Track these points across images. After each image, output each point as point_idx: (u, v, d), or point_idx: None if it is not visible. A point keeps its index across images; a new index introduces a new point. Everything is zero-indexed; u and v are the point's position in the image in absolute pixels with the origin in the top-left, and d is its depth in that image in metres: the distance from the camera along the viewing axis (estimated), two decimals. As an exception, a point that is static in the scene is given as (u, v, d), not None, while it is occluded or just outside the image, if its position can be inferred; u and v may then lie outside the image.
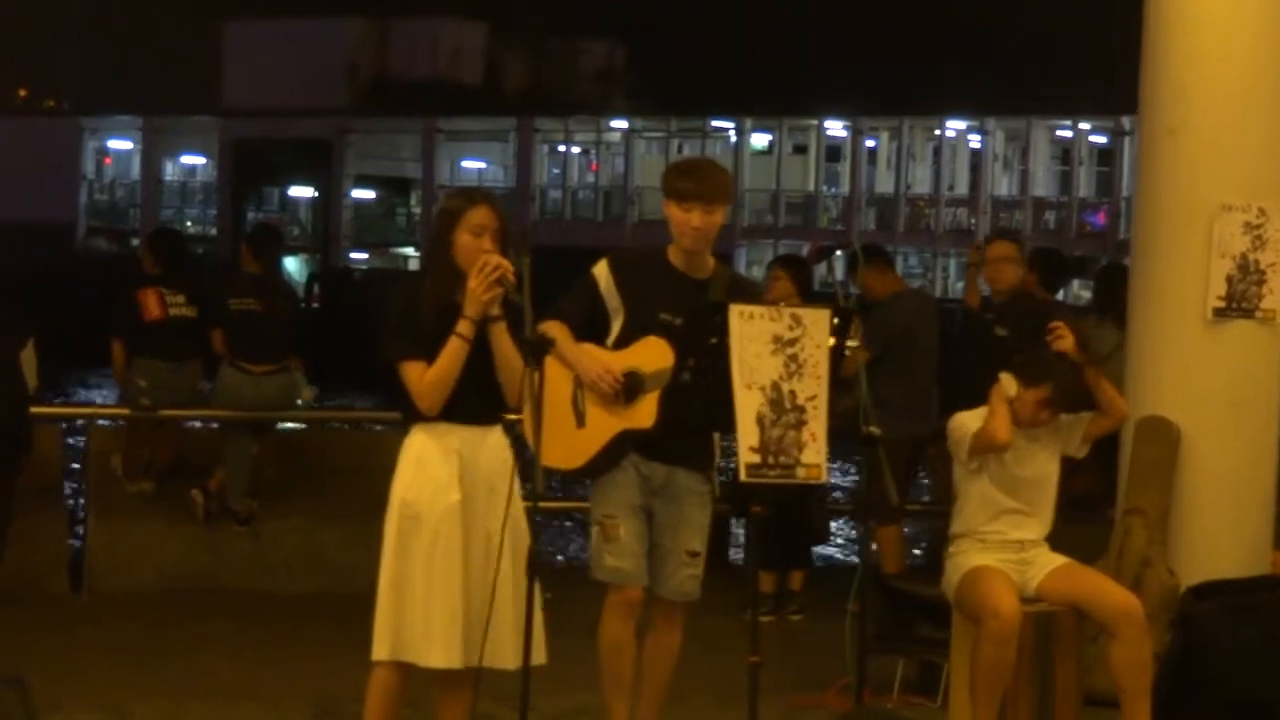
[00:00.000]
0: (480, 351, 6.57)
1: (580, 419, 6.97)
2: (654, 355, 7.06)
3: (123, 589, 11.05)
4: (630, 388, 7.04)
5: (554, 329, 6.93)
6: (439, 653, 6.54)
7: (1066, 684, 7.78)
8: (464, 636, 6.55)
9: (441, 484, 6.59)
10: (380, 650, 6.63)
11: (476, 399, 6.60)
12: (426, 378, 6.55)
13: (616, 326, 7.14)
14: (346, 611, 9.99)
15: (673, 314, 7.09)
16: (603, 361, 7.07)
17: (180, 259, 12.22)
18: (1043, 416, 7.75)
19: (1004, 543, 7.76)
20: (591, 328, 7.14)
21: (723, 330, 6.55)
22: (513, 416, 6.86)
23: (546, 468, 6.74)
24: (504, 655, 6.57)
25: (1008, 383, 7.65)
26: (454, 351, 6.53)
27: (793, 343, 6.61)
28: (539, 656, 6.57)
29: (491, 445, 6.70)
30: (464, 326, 6.54)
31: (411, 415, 6.69)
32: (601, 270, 7.16)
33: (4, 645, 9.28)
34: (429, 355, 6.55)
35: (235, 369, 11.37)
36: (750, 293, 7.32)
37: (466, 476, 6.61)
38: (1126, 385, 9.33)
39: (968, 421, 7.77)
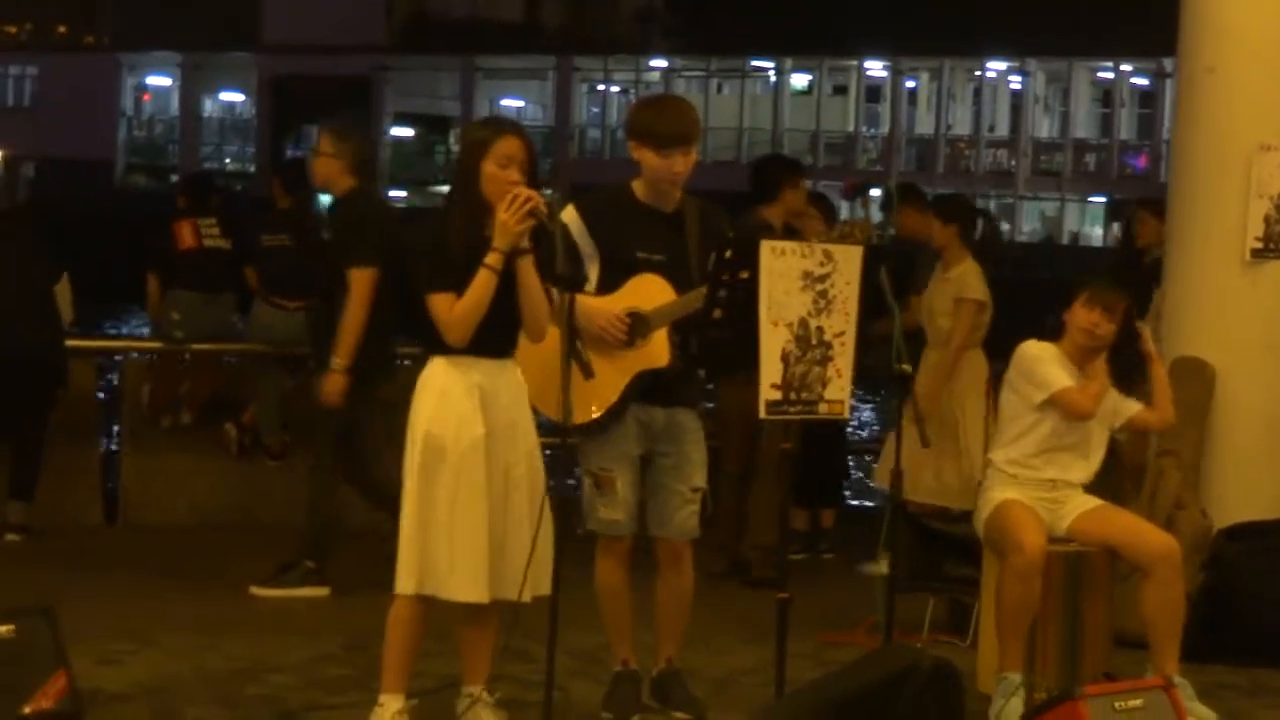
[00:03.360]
0: (503, 285, 6.52)
1: (587, 370, 6.89)
2: (649, 293, 7.03)
3: (157, 522, 11.11)
4: (636, 329, 7.01)
5: None
6: (464, 587, 6.53)
7: (1096, 624, 7.76)
8: (489, 570, 6.54)
9: (466, 417, 6.56)
10: (406, 584, 6.61)
11: (497, 332, 6.56)
12: (456, 310, 6.51)
13: (594, 271, 7.08)
14: (378, 545, 10.06)
15: (649, 250, 7.05)
16: (604, 309, 7.02)
17: (207, 193, 12.22)
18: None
19: (1037, 480, 7.72)
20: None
21: (753, 265, 6.50)
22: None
23: (552, 420, 6.73)
24: (518, 588, 6.53)
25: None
26: (483, 283, 6.49)
27: (823, 279, 6.57)
28: (544, 587, 6.56)
29: (509, 378, 6.67)
30: (493, 258, 6.48)
31: (432, 347, 6.65)
32: (571, 215, 7.04)
33: (38, 577, 9.34)
34: (458, 288, 6.51)
35: (269, 304, 11.37)
36: (720, 219, 7.26)
37: (488, 410, 6.58)
38: (1163, 326, 9.30)
39: (1045, 360, 7.66)
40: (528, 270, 6.53)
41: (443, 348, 6.61)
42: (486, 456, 6.56)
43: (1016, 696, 7.40)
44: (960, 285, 10.15)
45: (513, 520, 6.58)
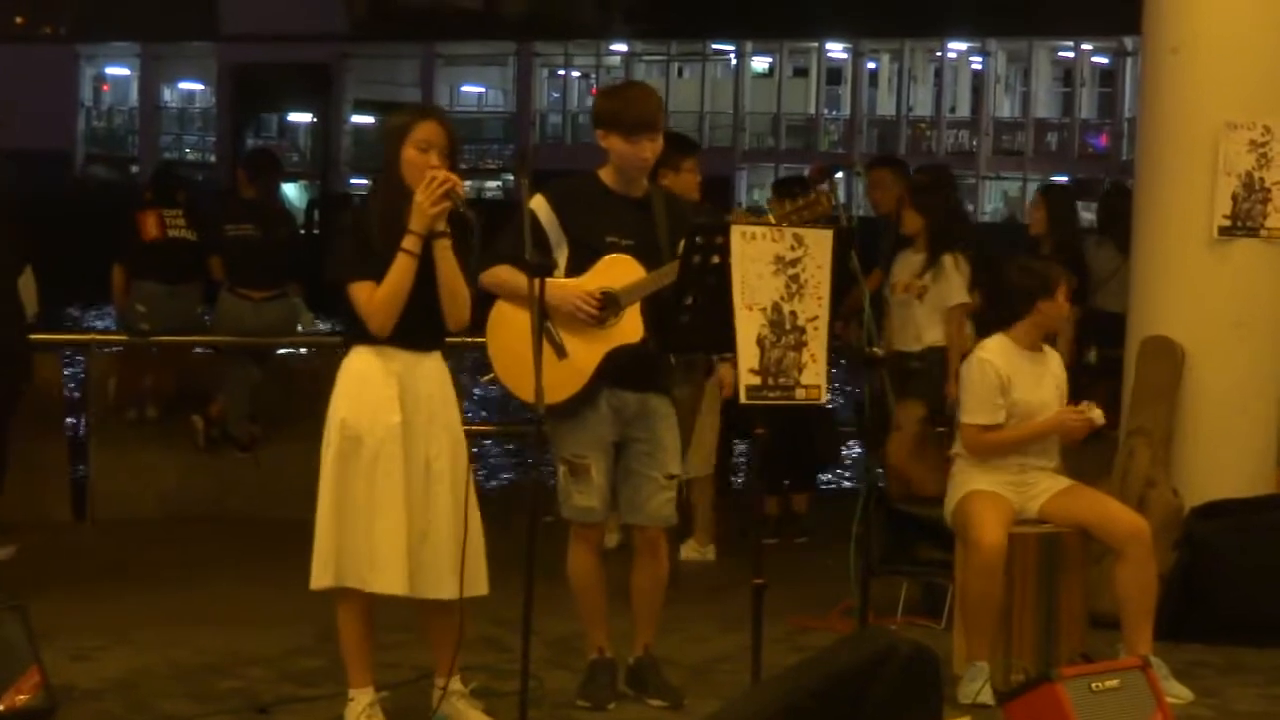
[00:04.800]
0: (422, 275, 6.45)
1: (560, 350, 6.90)
2: (618, 271, 7.02)
3: (125, 516, 11.05)
4: (608, 307, 6.99)
5: (503, 272, 6.89)
6: (384, 579, 6.45)
7: (1071, 605, 7.77)
8: (409, 562, 6.45)
9: (382, 405, 6.48)
10: (323, 577, 6.51)
11: (415, 322, 6.49)
12: (376, 297, 6.43)
13: (562, 258, 7.06)
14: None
15: (619, 236, 7.05)
16: (576, 288, 7.00)
17: (171, 185, 12.17)
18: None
19: (1004, 465, 7.73)
20: None
21: (724, 250, 6.49)
22: (458, 340, 6.80)
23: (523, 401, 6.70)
24: (446, 586, 6.48)
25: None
26: (402, 268, 6.42)
27: (794, 263, 6.55)
28: (480, 588, 6.54)
29: (429, 370, 6.60)
30: (410, 242, 6.41)
31: (353, 338, 6.57)
32: (540, 203, 7.02)
33: (7, 572, 9.29)
34: (377, 276, 6.44)
35: (234, 295, 11.33)
36: (684, 206, 7.34)
37: (407, 400, 6.51)
38: (1131, 305, 9.31)
39: (973, 386, 7.68)
40: (445, 254, 6.47)
41: (364, 337, 6.53)
42: (404, 446, 6.48)
43: (985, 683, 7.42)
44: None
45: (434, 514, 6.50)
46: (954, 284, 9.83)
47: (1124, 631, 7.65)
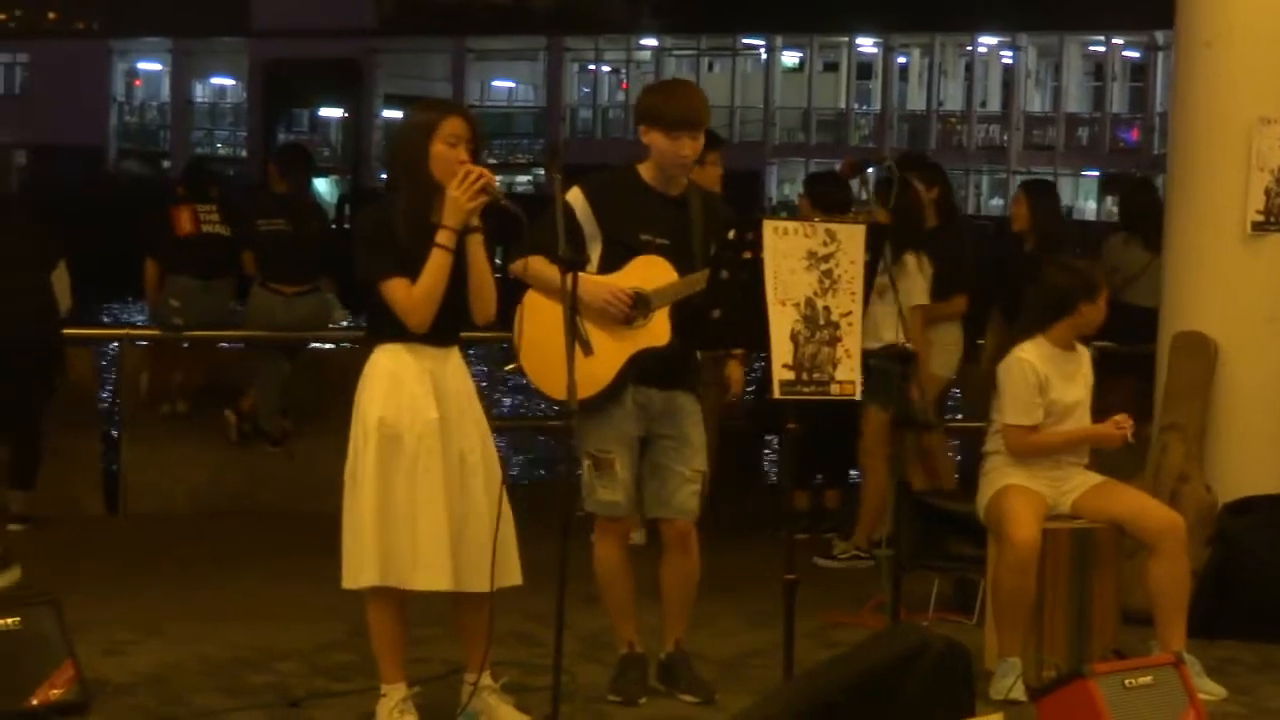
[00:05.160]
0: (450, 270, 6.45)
1: (586, 347, 6.90)
2: (652, 273, 7.01)
3: (158, 510, 11.08)
4: (637, 308, 6.99)
5: (535, 263, 6.85)
6: (429, 576, 6.45)
7: (1104, 601, 7.75)
8: (451, 558, 6.45)
9: (419, 402, 6.47)
10: (369, 575, 6.47)
11: (441, 318, 6.47)
12: (414, 292, 6.41)
13: (595, 253, 7.05)
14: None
15: (653, 234, 7.04)
16: (608, 285, 6.99)
17: (203, 180, 12.20)
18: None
19: (1038, 460, 7.72)
20: None
21: (757, 246, 6.48)
22: (479, 335, 6.76)
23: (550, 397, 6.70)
24: (485, 578, 6.47)
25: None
26: (438, 263, 6.40)
27: (827, 258, 6.55)
28: (514, 578, 6.54)
29: (455, 366, 6.60)
30: (444, 236, 6.40)
31: (380, 336, 6.55)
32: (576, 196, 7.00)
33: (41, 566, 9.31)
34: (410, 273, 6.42)
35: (266, 290, 11.35)
36: (722, 206, 7.32)
37: (439, 396, 6.50)
38: (1163, 300, 9.29)
39: (1011, 386, 7.67)
40: (478, 249, 6.47)
41: (388, 335, 6.51)
42: (442, 442, 6.49)
43: (1018, 679, 7.42)
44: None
45: (470, 507, 6.50)
46: (916, 284, 9.78)
47: (1157, 628, 7.63)
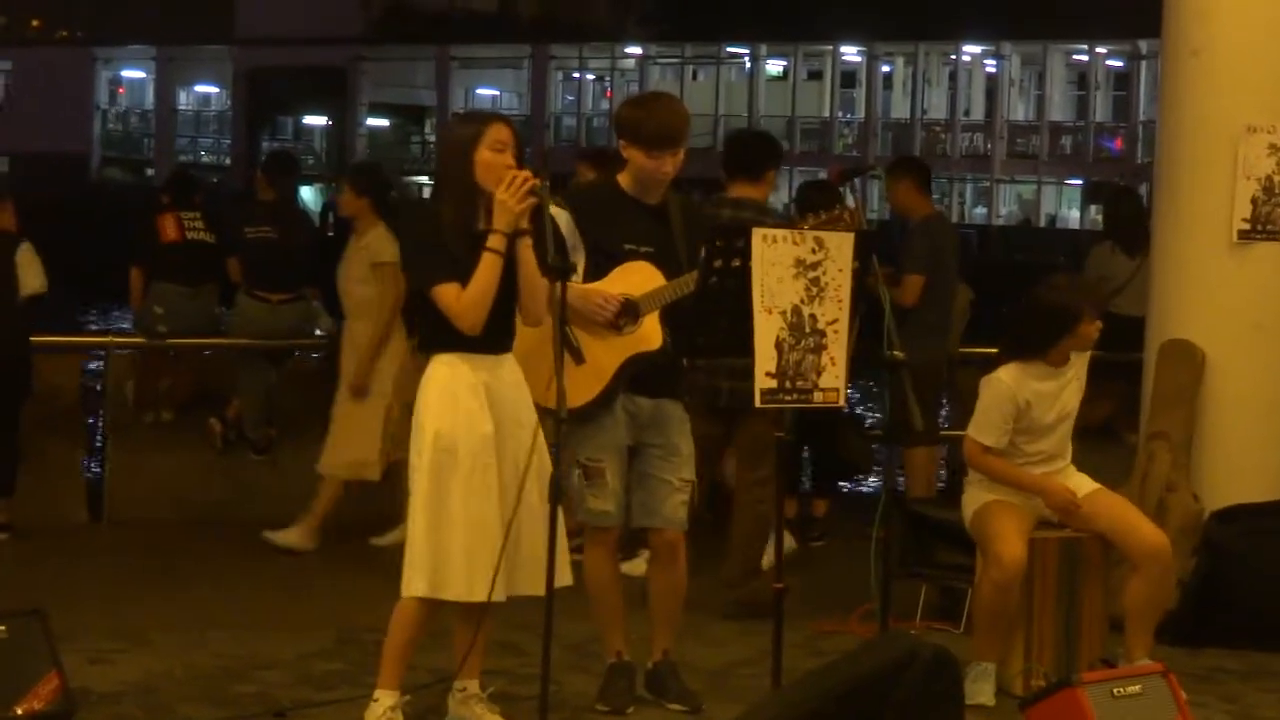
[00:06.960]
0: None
1: (577, 356, 6.89)
2: (638, 278, 7.02)
3: (142, 518, 11.02)
4: (626, 314, 6.98)
5: None
6: (479, 589, 6.45)
7: (1092, 610, 7.74)
8: (504, 569, 6.46)
9: (474, 416, 6.50)
10: (418, 585, 6.51)
11: (493, 324, 6.51)
12: (465, 297, 6.44)
13: (580, 264, 7.05)
14: (365, 540, 10.03)
15: (636, 243, 7.05)
16: (598, 290, 6.99)
17: (188, 187, 12.18)
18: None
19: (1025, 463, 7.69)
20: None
21: (745, 254, 6.47)
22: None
23: (545, 407, 6.68)
24: (537, 583, 6.46)
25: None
26: (489, 267, 6.44)
27: (815, 266, 6.54)
28: (565, 578, 6.54)
29: (508, 373, 6.64)
30: (495, 240, 6.44)
31: (434, 345, 6.61)
32: (558, 210, 6.97)
33: (25, 576, 9.29)
34: (461, 278, 6.45)
35: (252, 298, 11.30)
36: (700, 214, 7.35)
37: (494, 407, 6.54)
38: (1150, 309, 9.28)
39: (989, 407, 7.60)
40: (527, 252, 6.49)
41: (442, 345, 6.56)
42: (497, 454, 6.52)
43: (988, 681, 7.43)
44: (375, 251, 9.96)
45: (527, 513, 6.51)
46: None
47: (1126, 636, 7.63)
